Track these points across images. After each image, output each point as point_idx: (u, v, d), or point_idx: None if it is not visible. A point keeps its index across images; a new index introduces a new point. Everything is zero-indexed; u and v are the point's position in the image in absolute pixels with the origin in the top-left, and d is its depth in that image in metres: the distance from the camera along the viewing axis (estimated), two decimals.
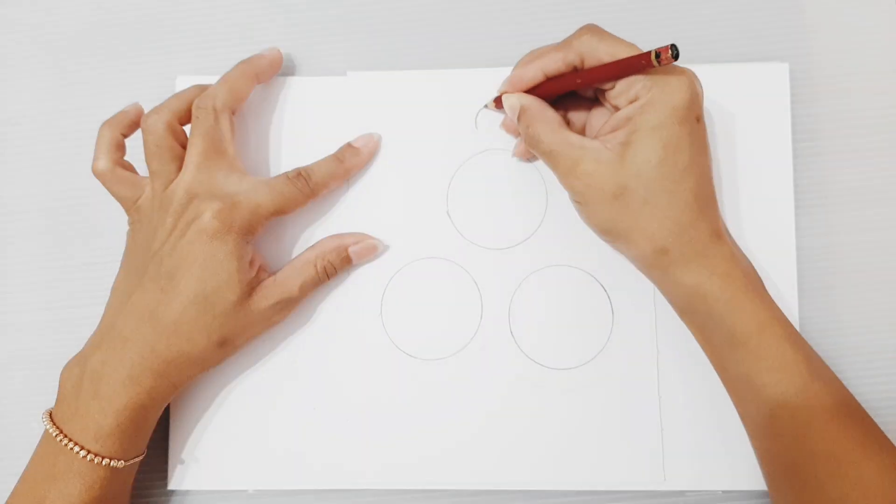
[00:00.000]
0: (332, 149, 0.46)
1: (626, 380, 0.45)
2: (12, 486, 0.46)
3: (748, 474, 0.44)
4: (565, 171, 0.41)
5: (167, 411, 0.45)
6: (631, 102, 0.39)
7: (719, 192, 0.45)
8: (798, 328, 0.44)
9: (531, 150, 0.42)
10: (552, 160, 0.41)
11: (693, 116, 0.39)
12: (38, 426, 0.46)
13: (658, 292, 0.45)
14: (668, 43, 0.37)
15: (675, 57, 0.37)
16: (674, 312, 0.44)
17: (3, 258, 0.48)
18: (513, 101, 0.43)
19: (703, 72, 0.46)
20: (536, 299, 0.45)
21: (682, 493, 0.45)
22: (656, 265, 0.40)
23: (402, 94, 0.47)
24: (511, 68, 0.46)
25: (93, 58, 0.49)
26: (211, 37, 0.49)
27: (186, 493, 0.46)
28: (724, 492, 0.45)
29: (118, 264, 0.47)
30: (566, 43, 0.41)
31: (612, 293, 0.45)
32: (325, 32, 0.49)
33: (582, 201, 0.41)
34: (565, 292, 0.45)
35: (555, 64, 0.41)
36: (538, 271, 0.46)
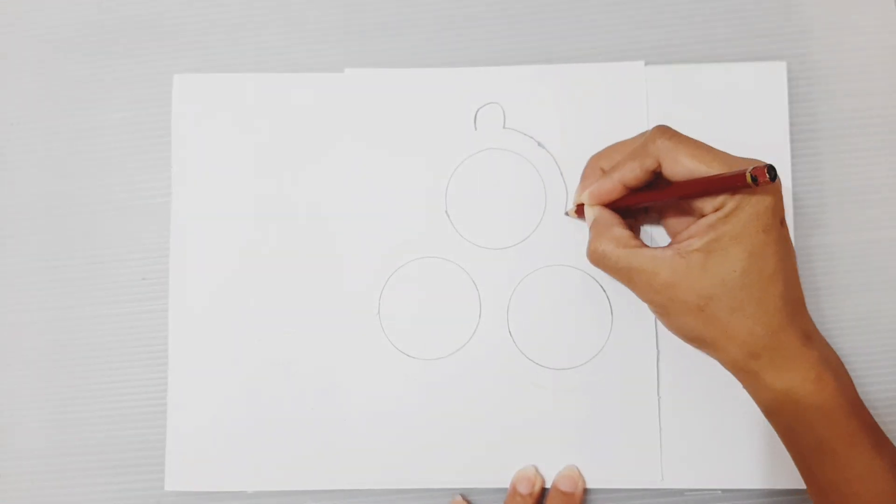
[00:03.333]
0: (328, 146, 0.46)
1: (626, 379, 0.45)
2: (14, 487, 0.46)
3: (747, 473, 0.44)
4: (642, 287, 0.39)
5: (165, 411, 0.45)
6: (715, 210, 0.38)
7: None
8: None
9: (598, 267, 0.41)
10: (625, 276, 0.40)
11: (777, 221, 0.38)
12: (37, 426, 0.47)
13: None
14: (764, 164, 0.35)
15: (773, 179, 0.35)
16: None
17: (3, 258, 0.48)
18: (587, 214, 0.42)
19: (700, 71, 0.46)
20: (535, 299, 0.45)
21: (680, 491, 0.45)
22: (746, 370, 0.39)
23: (400, 92, 0.47)
24: (509, 67, 0.47)
25: (92, 58, 0.49)
26: (209, 35, 0.49)
27: (184, 493, 0.46)
28: (722, 491, 0.45)
29: (118, 264, 0.47)
30: (641, 149, 0.40)
31: (610, 293, 0.45)
32: (324, 29, 0.49)
33: (664, 313, 0.40)
34: (564, 292, 0.45)
35: (633, 173, 0.40)
36: (537, 271, 0.46)
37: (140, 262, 0.47)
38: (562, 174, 0.46)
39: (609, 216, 0.41)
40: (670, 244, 0.39)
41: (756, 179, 0.35)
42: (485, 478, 0.44)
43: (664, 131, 0.39)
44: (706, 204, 0.38)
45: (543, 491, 0.44)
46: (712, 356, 0.40)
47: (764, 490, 0.44)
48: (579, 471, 0.44)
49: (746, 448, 0.44)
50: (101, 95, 0.49)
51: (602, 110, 0.46)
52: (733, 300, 0.38)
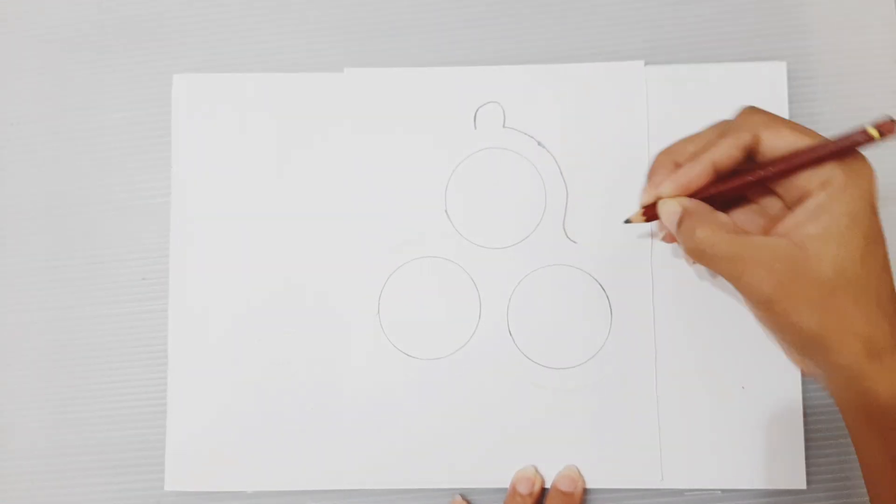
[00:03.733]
0: (328, 146, 0.46)
1: (625, 379, 0.45)
2: (14, 487, 0.46)
3: (746, 473, 0.44)
4: (755, 279, 0.35)
5: (165, 411, 0.45)
6: (822, 186, 0.34)
7: None
8: None
9: (699, 261, 0.37)
10: (734, 267, 0.35)
11: (877, 204, 0.35)
12: (37, 426, 0.47)
13: (656, 292, 0.45)
14: (885, 116, 0.32)
15: None
16: (672, 313, 0.44)
17: (3, 258, 0.48)
18: (671, 206, 0.37)
19: (700, 71, 0.46)
20: (535, 299, 0.45)
21: (680, 491, 0.45)
22: (862, 373, 0.35)
23: (400, 91, 0.47)
24: (509, 66, 0.47)
25: (92, 57, 0.49)
26: (209, 35, 0.49)
27: (184, 493, 0.46)
28: (722, 491, 0.44)
29: (118, 264, 0.47)
30: (734, 127, 0.36)
31: (610, 293, 0.45)
32: (323, 29, 0.49)
33: (776, 310, 0.35)
34: (564, 292, 0.45)
35: (727, 152, 0.36)
36: (536, 271, 0.46)
37: (140, 262, 0.47)
38: (562, 173, 0.46)
39: (702, 205, 0.37)
40: (775, 231, 0.35)
41: (882, 132, 0.32)
42: (485, 478, 0.44)
43: (757, 110, 0.36)
44: (811, 181, 0.35)
45: (543, 491, 0.44)
46: (819, 360, 0.36)
47: (764, 490, 0.44)
48: (579, 471, 0.44)
49: (746, 448, 0.44)
50: (101, 95, 0.49)
51: (602, 110, 0.46)
52: (855, 290, 0.34)
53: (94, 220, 0.48)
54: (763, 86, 0.46)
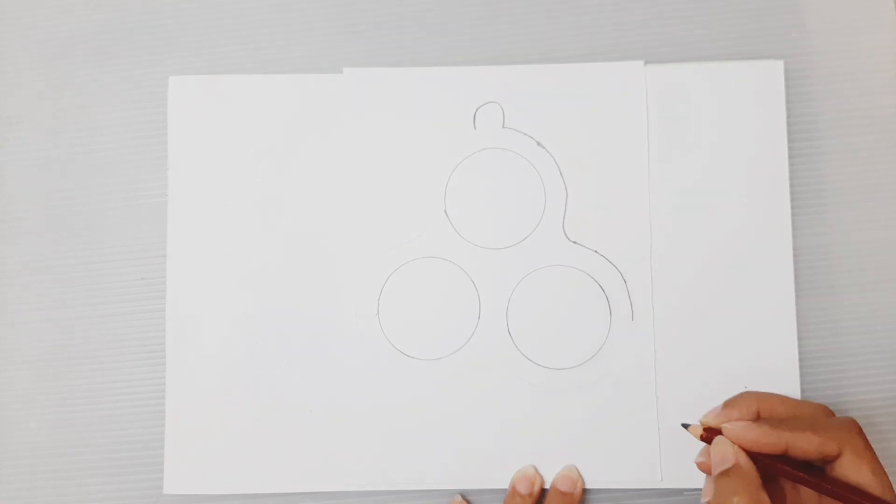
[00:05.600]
0: (327, 146, 0.46)
1: (624, 379, 0.45)
2: (13, 487, 0.46)
3: None
4: None
5: (164, 414, 0.46)
6: None
7: (715, 192, 0.45)
8: (796, 329, 0.44)
9: None
10: None
11: None
12: (37, 426, 0.47)
13: (656, 292, 0.45)
14: None
15: None
16: (672, 312, 0.44)
17: (3, 258, 0.48)
18: (727, 451, 0.37)
19: (697, 70, 0.46)
20: (534, 299, 0.45)
21: (679, 491, 0.45)
22: None
23: (399, 91, 0.47)
24: (509, 66, 0.47)
25: (90, 58, 0.49)
26: (206, 35, 0.49)
27: (182, 496, 0.46)
28: None
29: (118, 264, 0.47)
30: (828, 430, 0.35)
31: (609, 293, 0.45)
32: (322, 29, 0.49)
33: None
34: (563, 292, 0.45)
35: (806, 446, 0.35)
36: (536, 271, 0.46)
37: (139, 263, 0.47)
38: (561, 174, 0.46)
39: (755, 473, 0.36)
40: None
41: None
42: (485, 478, 0.44)
43: (860, 431, 0.36)
44: None
45: (543, 491, 0.44)
46: None
47: None
48: (578, 471, 0.44)
49: None
50: (99, 96, 0.49)
51: (601, 110, 0.46)
52: None
53: (93, 220, 0.48)
54: (760, 84, 0.46)
